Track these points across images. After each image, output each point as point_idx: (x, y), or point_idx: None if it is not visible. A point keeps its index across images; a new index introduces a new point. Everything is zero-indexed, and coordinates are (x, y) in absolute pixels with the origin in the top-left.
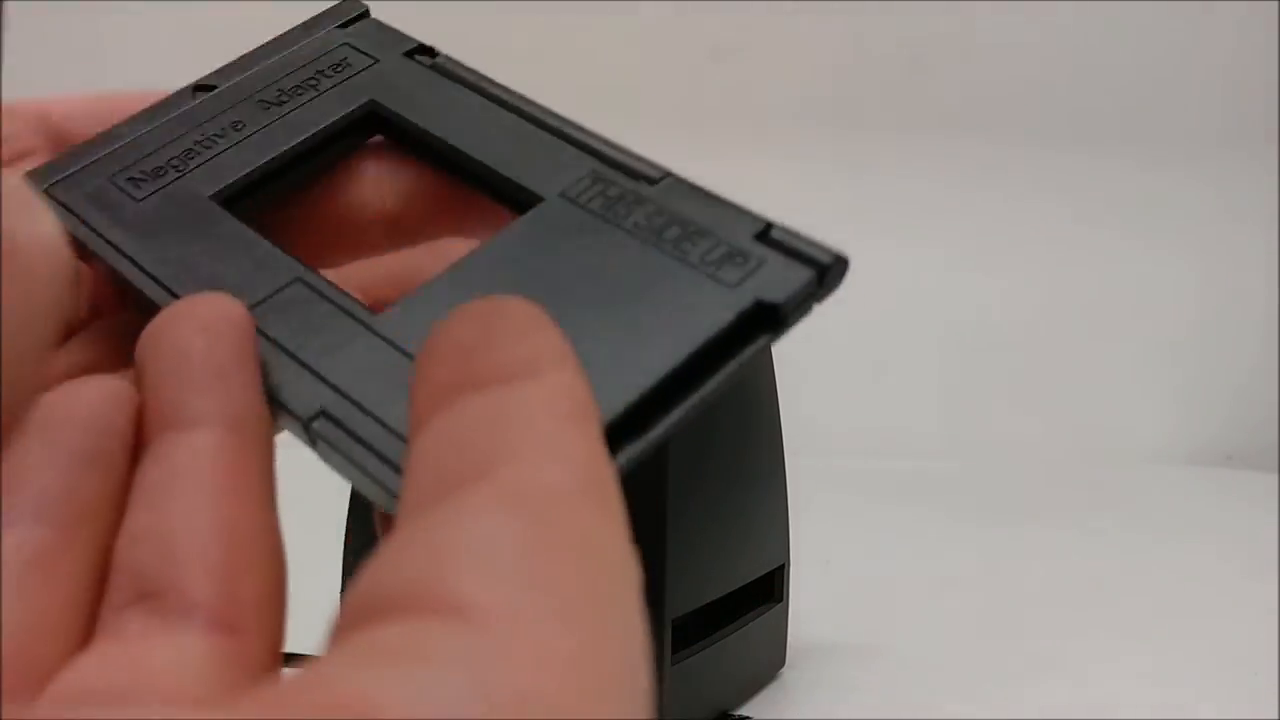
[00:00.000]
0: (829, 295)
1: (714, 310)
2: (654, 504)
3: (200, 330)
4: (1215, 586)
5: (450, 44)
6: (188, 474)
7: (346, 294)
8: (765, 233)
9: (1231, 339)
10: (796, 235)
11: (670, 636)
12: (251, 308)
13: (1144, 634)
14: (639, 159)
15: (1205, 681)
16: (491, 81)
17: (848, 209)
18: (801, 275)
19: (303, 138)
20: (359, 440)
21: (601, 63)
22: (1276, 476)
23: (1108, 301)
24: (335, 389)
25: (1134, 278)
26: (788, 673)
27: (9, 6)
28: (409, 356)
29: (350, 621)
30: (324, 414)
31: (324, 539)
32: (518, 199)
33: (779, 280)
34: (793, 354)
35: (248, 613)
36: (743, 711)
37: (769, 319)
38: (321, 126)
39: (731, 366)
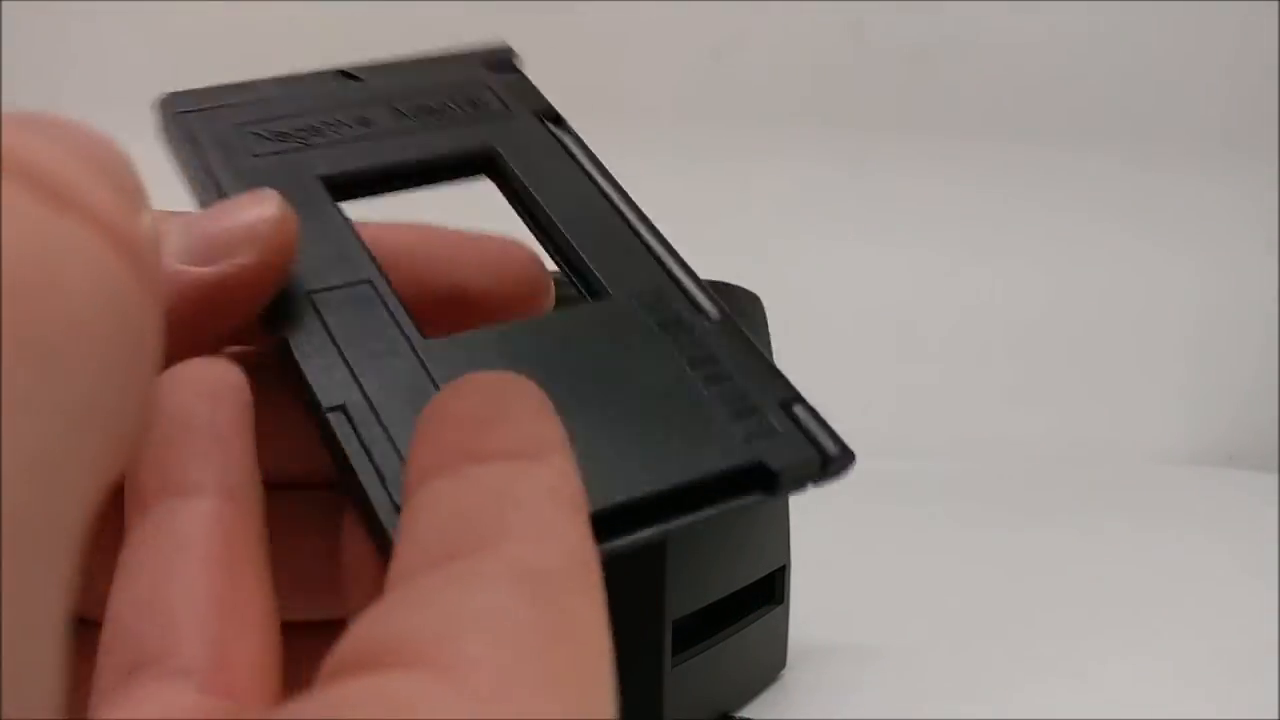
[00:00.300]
0: (830, 480)
1: (717, 454)
2: None
3: (203, 396)
4: (1216, 586)
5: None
6: (188, 544)
7: (407, 311)
8: (789, 404)
9: (1234, 339)
10: (816, 418)
11: (670, 638)
12: (318, 291)
13: (1145, 634)
14: (704, 290)
15: (1205, 681)
16: (603, 169)
17: (849, 209)
18: (806, 456)
19: (420, 156)
20: (363, 445)
21: (603, 61)
22: (1278, 477)
23: (1110, 301)
24: (362, 391)
25: (1136, 277)
26: (788, 674)
27: (9, 6)
28: (436, 388)
29: (341, 669)
30: (343, 409)
31: None
32: (588, 284)
33: (785, 453)
34: (794, 354)
35: (242, 675)
36: (743, 713)
37: (764, 482)
38: (440, 153)
39: (712, 511)
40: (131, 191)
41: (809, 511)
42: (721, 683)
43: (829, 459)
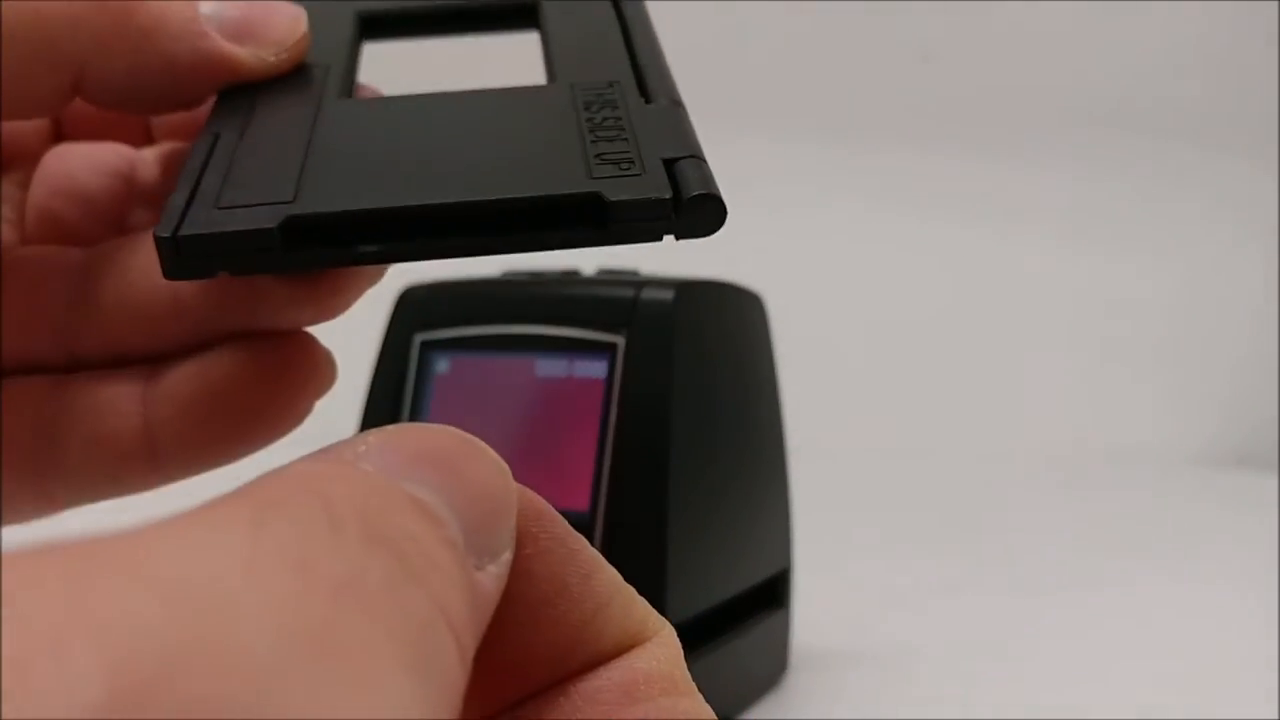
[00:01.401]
0: (691, 230)
1: (553, 181)
2: (655, 508)
3: None
4: (1216, 587)
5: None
6: None
7: (346, 83)
8: (678, 158)
9: (1233, 339)
10: (699, 171)
11: None
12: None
13: (1146, 634)
14: (668, 85)
15: (1206, 681)
16: (645, 24)
17: (849, 209)
18: (655, 193)
19: (461, 1)
20: (203, 164)
21: None
22: (1277, 477)
23: (1110, 301)
24: (242, 129)
25: (1135, 277)
26: (790, 679)
27: None
28: (311, 136)
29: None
30: (216, 135)
31: None
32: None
33: (633, 189)
34: (794, 354)
35: None
36: (745, 718)
37: (597, 214)
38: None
39: (533, 235)
40: (486, 544)
41: (812, 515)
42: (723, 687)
43: (684, 200)
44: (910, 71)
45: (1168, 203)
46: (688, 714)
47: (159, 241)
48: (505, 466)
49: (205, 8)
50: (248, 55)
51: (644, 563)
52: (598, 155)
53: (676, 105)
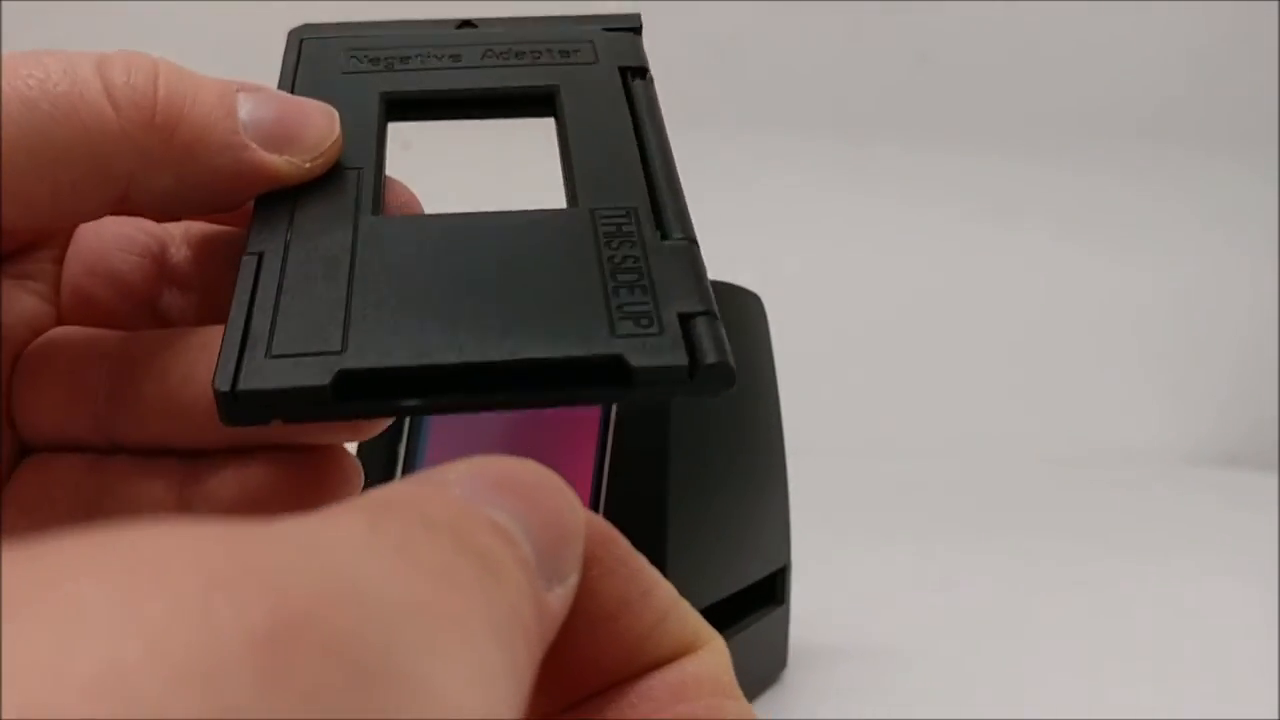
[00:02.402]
0: (705, 393)
1: (575, 341)
2: (654, 505)
3: None
4: (1215, 586)
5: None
6: None
7: (379, 193)
8: (692, 315)
9: (1232, 339)
10: (713, 332)
11: None
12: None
13: (1144, 634)
14: (681, 218)
15: (1206, 682)
16: (656, 120)
17: (848, 209)
18: (673, 359)
19: (484, 85)
20: (253, 288)
21: None
22: (1276, 476)
23: (1111, 301)
24: (286, 245)
25: (1135, 278)
26: (789, 675)
27: (9, 6)
28: (352, 256)
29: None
30: (259, 256)
31: None
32: (570, 198)
33: (651, 352)
34: (794, 354)
35: None
36: None
37: (619, 377)
38: (502, 85)
39: (556, 395)
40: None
41: (811, 512)
42: None
43: (700, 367)
44: (910, 72)
45: (1167, 203)
46: (733, 715)
47: (217, 395)
48: (576, 499)
49: (243, 112)
50: (285, 164)
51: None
52: (619, 307)
53: (691, 244)
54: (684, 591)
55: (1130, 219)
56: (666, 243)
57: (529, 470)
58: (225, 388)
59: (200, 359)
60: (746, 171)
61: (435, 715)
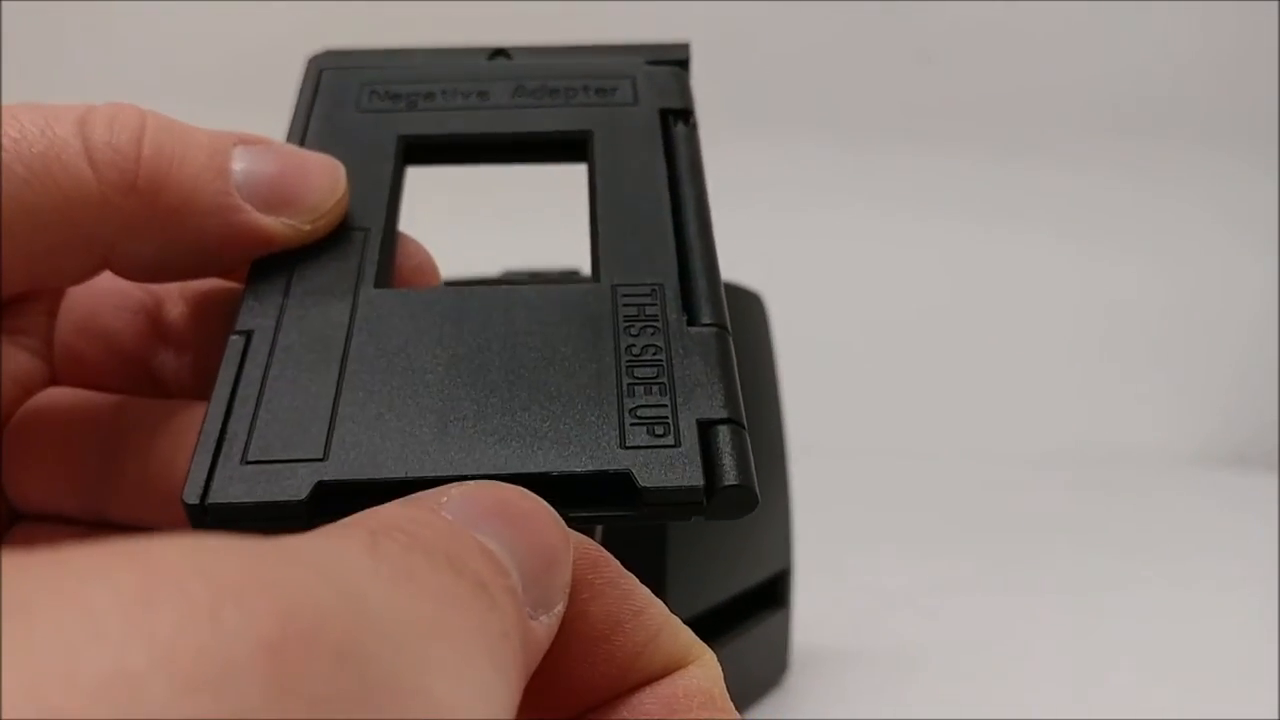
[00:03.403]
0: (725, 517)
1: (584, 454)
2: None
3: None
4: (1216, 587)
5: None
6: None
7: (384, 261)
8: (713, 423)
9: (1233, 339)
10: (736, 445)
11: None
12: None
13: (1144, 634)
14: (712, 300)
15: (1206, 682)
16: (696, 171)
17: (851, 208)
18: (688, 479)
19: (510, 130)
20: (237, 373)
21: None
22: (1277, 476)
23: (1110, 301)
24: (278, 323)
25: (1135, 277)
26: (791, 679)
27: (8, 6)
28: (348, 336)
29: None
30: (247, 334)
31: None
32: (594, 271)
33: (664, 470)
34: (794, 354)
35: None
36: (746, 718)
37: (627, 497)
38: (531, 130)
39: (563, 515)
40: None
41: (813, 514)
42: None
43: (717, 489)
44: (910, 72)
45: (1168, 203)
46: None
47: (186, 507)
48: (564, 525)
49: (237, 168)
50: (282, 227)
51: (644, 563)
52: (633, 411)
53: (720, 332)
54: (685, 595)
55: (1134, 218)
56: (693, 329)
57: (520, 497)
58: (194, 500)
59: (185, 442)
60: (747, 171)
61: None
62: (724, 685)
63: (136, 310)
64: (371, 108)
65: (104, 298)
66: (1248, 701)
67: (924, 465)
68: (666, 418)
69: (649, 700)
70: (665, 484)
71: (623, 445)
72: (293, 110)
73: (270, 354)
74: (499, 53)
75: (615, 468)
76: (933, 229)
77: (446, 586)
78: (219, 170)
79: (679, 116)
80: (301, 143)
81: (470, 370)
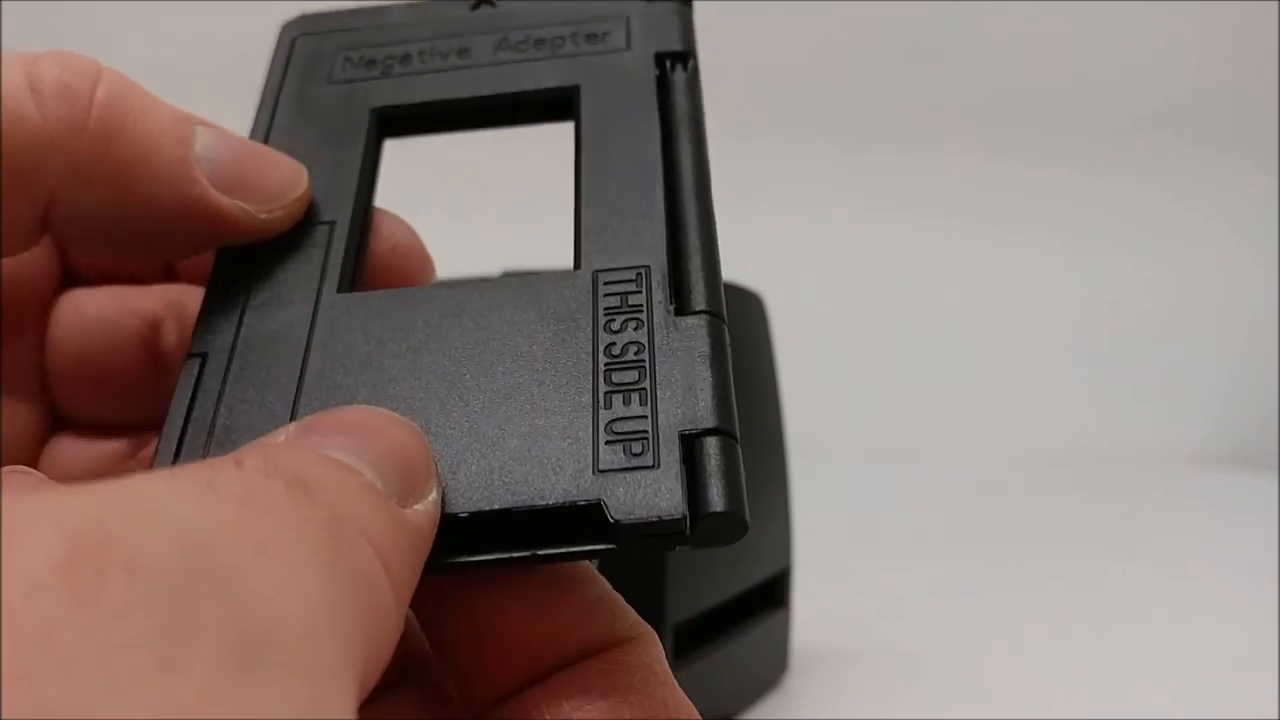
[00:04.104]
0: (710, 545)
1: (551, 483)
2: None
3: None
4: (1215, 586)
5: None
6: None
7: (350, 259)
8: (697, 435)
9: (1232, 339)
10: (724, 462)
11: (672, 643)
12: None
13: (1144, 634)
14: (707, 285)
15: (1206, 682)
16: (696, 125)
17: (851, 208)
18: (667, 507)
19: (489, 92)
20: (192, 395)
21: None
22: (1276, 476)
23: (1109, 301)
24: (235, 338)
25: (1135, 277)
26: (791, 679)
27: (8, 6)
28: (308, 347)
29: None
30: (202, 357)
31: None
32: (575, 254)
33: (640, 497)
34: (794, 354)
35: None
36: (746, 718)
37: (601, 530)
38: (511, 90)
39: (518, 558)
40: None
41: (813, 514)
42: (723, 688)
43: (701, 518)
44: (910, 71)
45: (1167, 202)
46: (665, 702)
47: None
48: (415, 429)
49: (200, 144)
50: (240, 211)
51: (644, 563)
52: (609, 425)
53: (711, 320)
54: (685, 595)
55: (1134, 218)
56: (682, 320)
57: (361, 411)
58: None
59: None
60: (747, 170)
61: (251, 620)
62: (665, 661)
63: (131, 338)
64: (345, 77)
65: (94, 326)
66: (1248, 701)
67: (924, 465)
68: (645, 433)
69: (591, 671)
70: (640, 517)
71: (596, 469)
72: (262, 88)
73: (225, 375)
74: (484, 1)
75: (584, 499)
76: (933, 229)
77: (251, 491)
78: (180, 138)
79: (677, 60)
80: (269, 126)
81: (433, 387)
